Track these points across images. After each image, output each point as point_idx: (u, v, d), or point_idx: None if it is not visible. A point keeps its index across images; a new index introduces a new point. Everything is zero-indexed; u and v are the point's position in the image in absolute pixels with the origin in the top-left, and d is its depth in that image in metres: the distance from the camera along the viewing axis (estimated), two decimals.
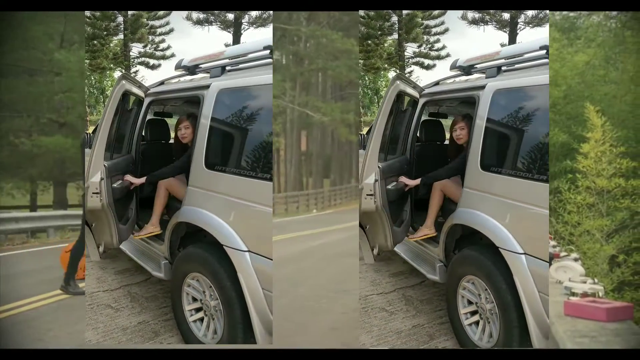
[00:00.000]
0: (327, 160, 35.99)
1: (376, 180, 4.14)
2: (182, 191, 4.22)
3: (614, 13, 18.88)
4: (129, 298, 4.84)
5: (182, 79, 4.72)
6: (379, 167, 4.18)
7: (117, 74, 14.25)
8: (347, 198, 29.36)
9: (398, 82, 4.21)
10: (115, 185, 4.52)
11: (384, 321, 4.37)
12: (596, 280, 4.84)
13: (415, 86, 4.57)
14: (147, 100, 4.88)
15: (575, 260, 4.74)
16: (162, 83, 4.92)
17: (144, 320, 4.45)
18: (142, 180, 4.62)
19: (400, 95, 4.29)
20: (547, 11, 9.36)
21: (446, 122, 4.93)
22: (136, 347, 3.84)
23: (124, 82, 4.49)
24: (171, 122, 6.17)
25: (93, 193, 4.34)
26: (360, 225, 4.52)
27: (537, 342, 3.42)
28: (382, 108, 4.17)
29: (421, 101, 4.69)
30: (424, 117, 4.90)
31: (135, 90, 4.67)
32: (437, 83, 4.81)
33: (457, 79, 4.64)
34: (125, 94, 4.54)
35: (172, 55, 14.25)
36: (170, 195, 4.53)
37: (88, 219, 4.68)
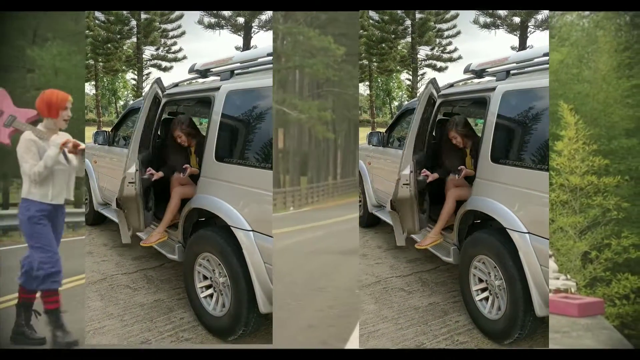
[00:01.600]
0: (304, 157, 36.52)
1: (411, 172, 4.73)
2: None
3: (587, 13, 19.80)
4: (146, 280, 5.36)
5: (194, 81, 5.23)
6: (413, 160, 4.77)
7: (129, 75, 14.69)
8: (324, 196, 29.93)
9: (430, 85, 4.84)
10: (144, 176, 5.01)
11: (402, 299, 4.96)
12: (569, 277, 5.42)
13: (438, 89, 5.20)
14: (162, 101, 5.34)
15: (549, 256, 5.34)
16: (176, 85, 5.41)
17: (159, 299, 4.96)
18: (161, 174, 5.14)
19: (431, 97, 4.92)
20: (551, 19, 10.08)
21: None
22: (137, 346, 4.22)
23: (155, 86, 4.99)
24: None
25: (129, 182, 4.82)
26: (394, 210, 5.07)
27: (539, 310, 4.01)
28: (418, 109, 4.79)
29: (437, 102, 5.29)
30: (439, 117, 5.51)
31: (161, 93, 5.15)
32: (451, 85, 5.44)
33: (470, 82, 5.28)
34: (157, 97, 5.02)
35: (184, 58, 14.75)
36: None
37: (122, 206, 5.14)
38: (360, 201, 7.37)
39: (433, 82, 4.86)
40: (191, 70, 5.14)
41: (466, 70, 5.16)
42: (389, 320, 4.59)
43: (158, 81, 5.07)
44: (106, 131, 6.97)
